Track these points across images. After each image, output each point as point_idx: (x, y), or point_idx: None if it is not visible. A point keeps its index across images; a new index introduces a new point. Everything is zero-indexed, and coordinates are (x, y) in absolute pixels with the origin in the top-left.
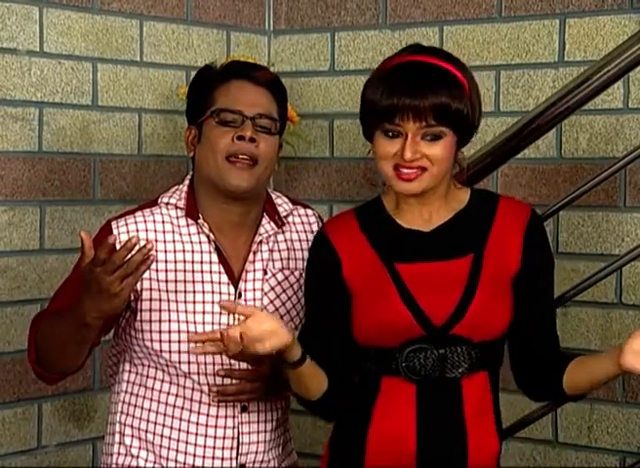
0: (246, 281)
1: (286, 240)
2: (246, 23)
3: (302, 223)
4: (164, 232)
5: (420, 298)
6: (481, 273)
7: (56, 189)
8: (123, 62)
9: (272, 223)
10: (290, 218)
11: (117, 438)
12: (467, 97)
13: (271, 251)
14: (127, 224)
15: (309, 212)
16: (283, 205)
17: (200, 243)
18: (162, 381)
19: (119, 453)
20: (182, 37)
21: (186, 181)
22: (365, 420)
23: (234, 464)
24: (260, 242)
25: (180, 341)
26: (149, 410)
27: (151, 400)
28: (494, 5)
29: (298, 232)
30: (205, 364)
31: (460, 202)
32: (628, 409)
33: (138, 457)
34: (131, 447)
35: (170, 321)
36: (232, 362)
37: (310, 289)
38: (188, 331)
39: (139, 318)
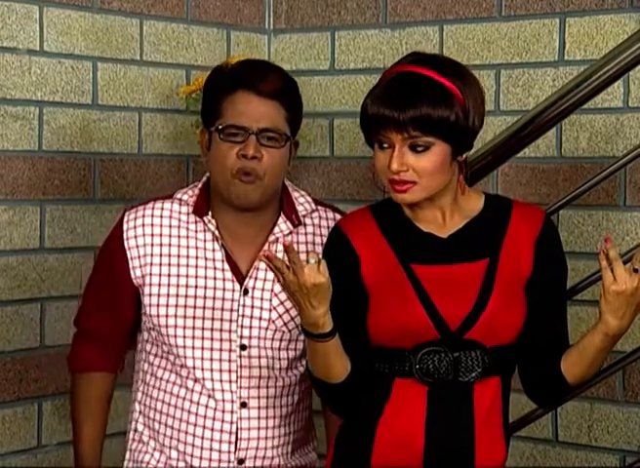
0: (256, 279)
1: (307, 242)
2: (246, 22)
3: (328, 228)
4: (170, 227)
5: (437, 301)
6: (495, 277)
7: (56, 188)
8: (123, 61)
9: (289, 223)
10: (310, 220)
11: (133, 425)
12: (459, 103)
13: None
14: (136, 218)
15: (337, 216)
16: (304, 204)
17: (205, 241)
18: (169, 371)
19: (133, 439)
20: (182, 36)
21: (204, 179)
22: (374, 420)
23: (232, 458)
24: (276, 241)
25: (184, 327)
26: (157, 399)
27: (159, 389)
28: (494, 4)
29: (322, 236)
30: (202, 359)
31: (473, 208)
32: (628, 409)
33: (147, 444)
34: (142, 434)
35: (176, 316)
36: (230, 358)
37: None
38: (185, 327)
39: (146, 312)
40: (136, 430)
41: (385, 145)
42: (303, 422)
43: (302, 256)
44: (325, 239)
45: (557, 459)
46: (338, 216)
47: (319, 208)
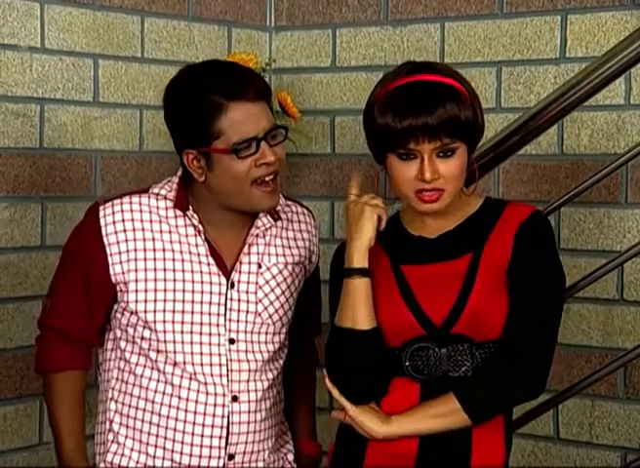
0: (240, 272)
1: (282, 236)
2: (247, 20)
3: (299, 222)
4: (151, 222)
5: (422, 298)
6: (478, 270)
7: (57, 186)
8: (124, 59)
9: (269, 216)
10: (285, 214)
11: (107, 425)
12: (470, 103)
13: (267, 245)
14: (114, 212)
15: (306, 211)
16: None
17: (187, 235)
18: (150, 368)
19: (107, 440)
20: (184, 33)
21: (179, 173)
22: None
23: (222, 454)
24: (257, 235)
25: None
26: (138, 397)
27: (140, 387)
28: (495, 1)
29: (294, 231)
30: (192, 353)
31: (469, 210)
32: (630, 406)
33: (123, 445)
34: (118, 434)
35: (164, 311)
36: (219, 352)
37: (337, 297)
38: (174, 322)
39: (128, 308)
40: (110, 430)
41: (408, 156)
42: (281, 414)
43: (279, 250)
44: (297, 233)
45: (558, 457)
46: (305, 210)
47: (289, 202)
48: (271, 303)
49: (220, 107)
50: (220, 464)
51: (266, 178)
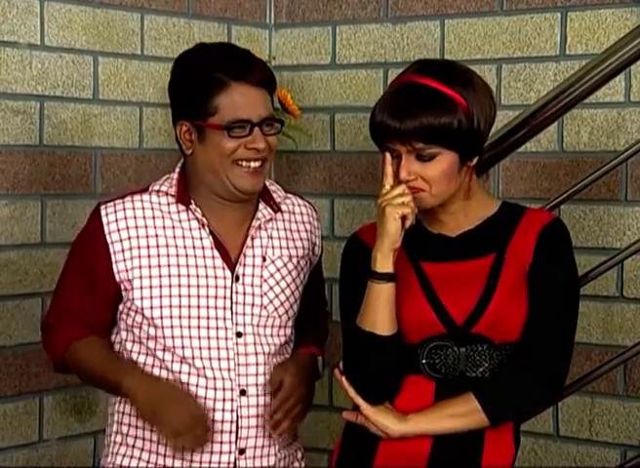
0: (245, 265)
1: (285, 229)
2: (247, 17)
3: (302, 214)
4: (154, 218)
5: (443, 296)
6: (501, 272)
7: (57, 183)
8: (124, 56)
9: (269, 208)
10: (285, 206)
11: (115, 427)
12: (462, 110)
13: (270, 237)
14: (116, 211)
15: (307, 203)
16: (277, 192)
17: (191, 229)
18: (158, 368)
19: (115, 442)
20: (183, 31)
21: (177, 169)
22: None
23: (233, 448)
24: (259, 227)
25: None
26: None
27: None
28: None
29: (296, 223)
30: (200, 348)
31: (487, 211)
32: (629, 403)
33: (133, 446)
34: (127, 435)
35: (170, 307)
36: (227, 346)
37: (347, 288)
38: (181, 317)
39: (133, 307)
40: (118, 432)
41: (391, 153)
42: None
43: (283, 243)
44: (300, 225)
45: (558, 454)
46: (307, 203)
47: (289, 195)
48: (277, 296)
49: (222, 85)
50: (232, 459)
51: (252, 164)
